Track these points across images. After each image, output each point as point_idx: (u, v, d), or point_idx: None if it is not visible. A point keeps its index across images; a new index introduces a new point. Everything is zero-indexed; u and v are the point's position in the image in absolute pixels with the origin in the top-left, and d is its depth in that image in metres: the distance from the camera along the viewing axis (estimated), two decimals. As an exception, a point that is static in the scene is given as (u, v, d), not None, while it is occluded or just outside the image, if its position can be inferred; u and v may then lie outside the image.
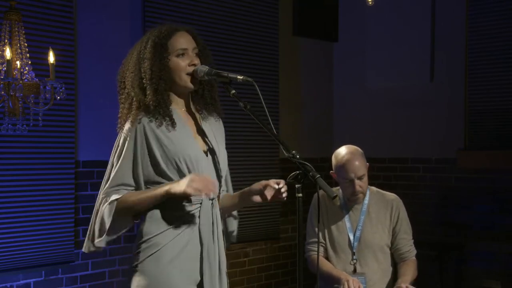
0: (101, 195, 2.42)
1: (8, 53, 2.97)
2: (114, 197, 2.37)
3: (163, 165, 2.39)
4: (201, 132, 2.52)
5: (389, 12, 5.52)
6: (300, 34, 5.60)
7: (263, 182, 2.43)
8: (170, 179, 2.39)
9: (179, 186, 2.29)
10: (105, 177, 2.46)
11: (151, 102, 2.38)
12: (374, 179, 4.18)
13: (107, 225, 2.38)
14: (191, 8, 4.65)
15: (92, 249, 2.47)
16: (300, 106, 5.70)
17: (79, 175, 4.12)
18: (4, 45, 3.10)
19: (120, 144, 2.42)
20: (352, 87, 5.85)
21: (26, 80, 3.11)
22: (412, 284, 3.22)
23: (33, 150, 3.87)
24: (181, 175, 2.39)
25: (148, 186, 2.43)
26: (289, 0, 5.52)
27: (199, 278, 2.43)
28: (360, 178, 3.28)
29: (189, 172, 2.40)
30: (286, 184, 2.41)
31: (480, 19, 5.01)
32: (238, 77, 2.35)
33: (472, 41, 5.05)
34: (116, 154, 2.43)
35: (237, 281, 5.10)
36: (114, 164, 2.42)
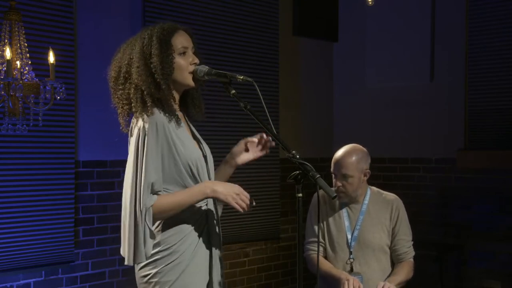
0: (137, 205, 2.30)
1: (8, 53, 2.96)
2: (149, 203, 2.32)
3: (180, 165, 2.38)
4: (194, 135, 2.54)
5: (389, 12, 5.52)
6: (300, 34, 5.60)
7: (242, 141, 2.56)
8: (185, 180, 2.40)
9: (224, 193, 2.36)
10: (131, 180, 2.33)
11: (167, 97, 2.38)
12: (374, 179, 4.16)
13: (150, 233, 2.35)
14: (191, 8, 4.65)
15: (143, 259, 2.36)
16: (300, 106, 5.70)
17: (79, 175, 4.12)
18: (4, 45, 3.10)
19: (142, 143, 2.33)
20: (352, 87, 5.85)
21: (26, 80, 3.11)
22: (410, 284, 3.22)
23: (33, 150, 3.87)
24: (193, 177, 2.41)
25: (165, 187, 2.38)
26: (289, 0, 5.52)
27: (208, 278, 2.45)
28: (343, 177, 3.27)
29: (198, 175, 2.42)
30: (267, 136, 2.53)
31: (480, 19, 5.01)
32: (238, 77, 2.36)
33: (472, 41, 5.05)
34: (139, 155, 2.32)
35: (237, 281, 5.10)
36: (140, 168, 2.32)
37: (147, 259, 2.37)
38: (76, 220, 4.08)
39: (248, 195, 2.38)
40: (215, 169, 2.58)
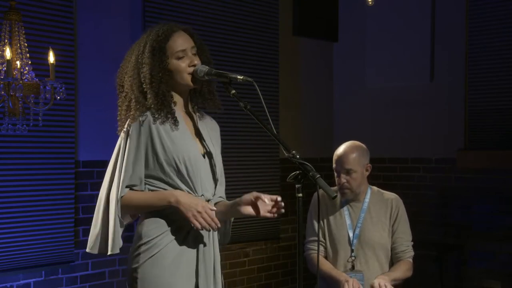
0: (117, 195, 2.39)
1: (8, 53, 2.97)
2: (120, 194, 2.39)
3: (164, 163, 2.40)
4: (199, 134, 2.54)
5: (389, 12, 5.52)
6: (300, 34, 5.60)
7: (255, 194, 2.39)
8: (170, 177, 2.42)
9: (185, 207, 2.34)
10: (108, 177, 2.46)
11: (152, 105, 2.40)
12: (374, 179, 4.17)
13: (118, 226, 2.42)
14: (191, 8, 4.65)
15: (117, 250, 2.43)
16: (300, 106, 5.70)
17: (79, 175, 4.12)
18: (4, 45, 3.10)
19: (124, 144, 2.42)
20: (352, 87, 5.85)
21: (26, 80, 3.11)
22: (411, 284, 3.22)
23: (33, 150, 3.87)
24: (180, 176, 2.42)
25: (147, 181, 2.44)
26: (289, 0, 5.52)
27: (195, 280, 2.45)
28: (347, 173, 3.29)
29: (188, 173, 2.42)
30: (281, 201, 2.37)
31: (480, 19, 5.01)
32: (238, 77, 2.36)
33: (472, 41, 5.05)
34: (120, 154, 2.42)
35: (237, 281, 5.10)
36: (120, 165, 2.41)
37: (132, 253, 2.44)
38: (76, 220, 4.08)
39: (212, 216, 2.35)
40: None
